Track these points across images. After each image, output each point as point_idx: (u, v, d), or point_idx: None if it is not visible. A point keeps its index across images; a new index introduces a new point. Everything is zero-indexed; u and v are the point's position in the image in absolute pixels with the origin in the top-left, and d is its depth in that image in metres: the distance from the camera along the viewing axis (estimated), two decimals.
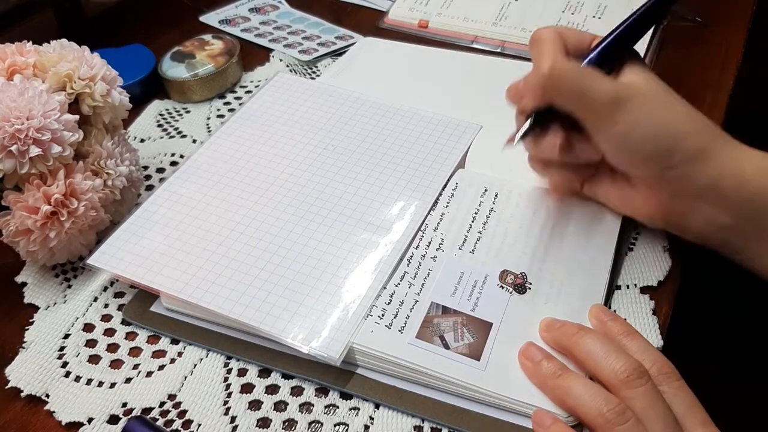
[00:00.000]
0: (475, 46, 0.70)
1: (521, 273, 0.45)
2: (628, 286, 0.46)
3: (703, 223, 0.43)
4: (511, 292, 0.44)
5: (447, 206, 0.49)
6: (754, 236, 0.42)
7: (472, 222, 0.48)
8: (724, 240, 0.43)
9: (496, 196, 0.50)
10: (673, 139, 0.41)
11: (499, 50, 0.69)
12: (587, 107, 0.42)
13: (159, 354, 0.44)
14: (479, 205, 0.50)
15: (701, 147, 0.41)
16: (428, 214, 0.49)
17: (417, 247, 0.47)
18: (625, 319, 0.42)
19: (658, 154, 0.42)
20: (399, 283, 0.44)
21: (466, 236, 0.47)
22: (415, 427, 0.39)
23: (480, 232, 0.48)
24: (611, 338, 0.39)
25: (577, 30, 0.46)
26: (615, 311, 0.44)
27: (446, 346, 0.41)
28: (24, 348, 0.45)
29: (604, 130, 0.42)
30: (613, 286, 0.46)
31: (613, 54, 0.44)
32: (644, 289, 0.45)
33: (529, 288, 0.44)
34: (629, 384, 0.36)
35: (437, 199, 0.50)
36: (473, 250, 0.46)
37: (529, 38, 0.45)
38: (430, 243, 0.47)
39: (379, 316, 0.42)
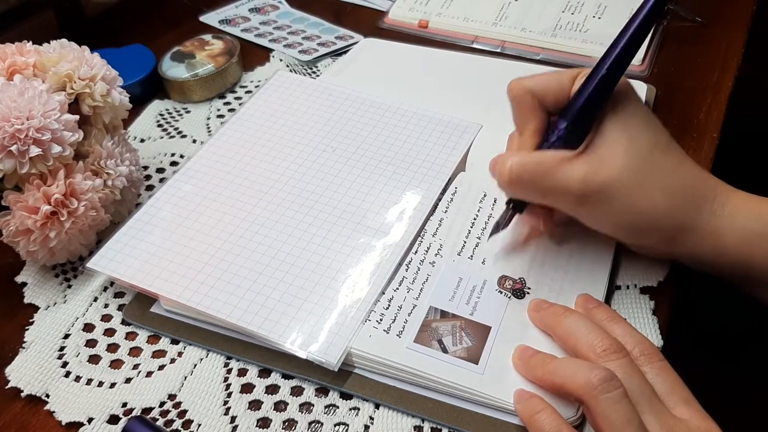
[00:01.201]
0: (475, 46, 0.70)
1: (520, 278, 0.45)
2: (628, 287, 0.46)
3: (691, 265, 0.45)
4: (509, 297, 0.44)
5: (446, 211, 0.49)
6: (740, 283, 0.44)
7: (471, 227, 0.48)
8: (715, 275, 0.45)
9: (495, 201, 0.50)
10: (648, 224, 0.41)
11: (499, 50, 0.69)
12: (556, 203, 0.42)
13: (159, 354, 0.44)
14: (478, 210, 0.49)
15: (678, 226, 0.41)
16: (427, 218, 0.49)
17: (416, 252, 0.47)
18: (625, 319, 0.42)
19: (634, 237, 0.43)
20: (397, 288, 0.44)
21: (465, 242, 0.47)
22: (415, 427, 0.40)
23: (479, 238, 0.48)
24: (595, 323, 0.40)
25: (555, 76, 0.43)
26: (615, 311, 0.44)
27: (444, 350, 0.41)
28: (24, 348, 0.45)
29: (578, 216, 0.43)
30: (613, 287, 0.46)
31: (589, 112, 0.41)
32: (644, 289, 0.45)
33: (528, 293, 0.44)
34: (605, 357, 0.37)
35: (436, 203, 0.50)
36: (471, 256, 0.46)
37: (507, 90, 0.44)
38: (428, 248, 0.47)
39: (377, 321, 0.42)
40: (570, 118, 0.41)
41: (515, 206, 0.45)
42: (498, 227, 0.46)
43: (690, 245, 0.42)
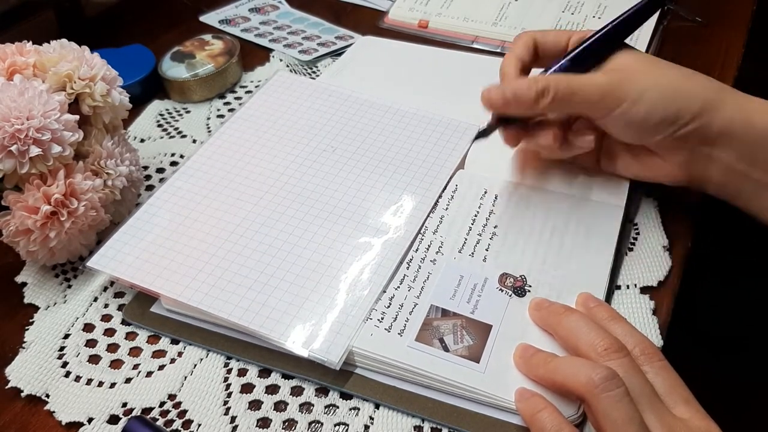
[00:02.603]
0: (475, 46, 0.70)
1: (521, 276, 0.45)
2: (628, 286, 0.46)
3: (721, 172, 0.44)
4: (510, 295, 0.44)
5: (447, 209, 0.49)
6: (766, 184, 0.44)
7: (472, 225, 0.48)
8: (741, 189, 0.45)
9: (495, 198, 0.50)
10: (678, 100, 0.43)
11: (499, 50, 0.69)
12: (583, 106, 0.44)
13: (159, 354, 0.44)
14: (479, 207, 0.50)
15: (707, 101, 0.43)
16: (428, 216, 0.49)
17: (416, 250, 0.47)
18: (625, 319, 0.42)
19: (667, 118, 0.43)
20: (398, 287, 0.44)
21: (466, 239, 0.47)
22: (415, 427, 0.40)
23: (479, 235, 0.48)
24: (596, 321, 0.40)
25: (554, 31, 0.49)
26: (615, 310, 0.44)
27: (446, 349, 0.41)
28: (24, 348, 0.45)
29: (607, 116, 0.44)
30: (613, 286, 0.46)
31: (595, 53, 0.45)
32: (644, 289, 0.45)
33: (529, 291, 0.44)
34: (606, 356, 0.37)
35: (437, 201, 0.50)
36: (473, 253, 0.46)
37: (514, 39, 0.48)
38: (429, 246, 0.47)
39: (378, 320, 0.42)
40: (573, 54, 0.45)
41: (503, 120, 0.47)
42: (484, 133, 0.48)
43: (721, 122, 0.42)
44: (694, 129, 0.43)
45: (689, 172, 0.46)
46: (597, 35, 0.46)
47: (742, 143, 0.43)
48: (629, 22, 0.46)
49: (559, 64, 0.46)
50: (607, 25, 0.46)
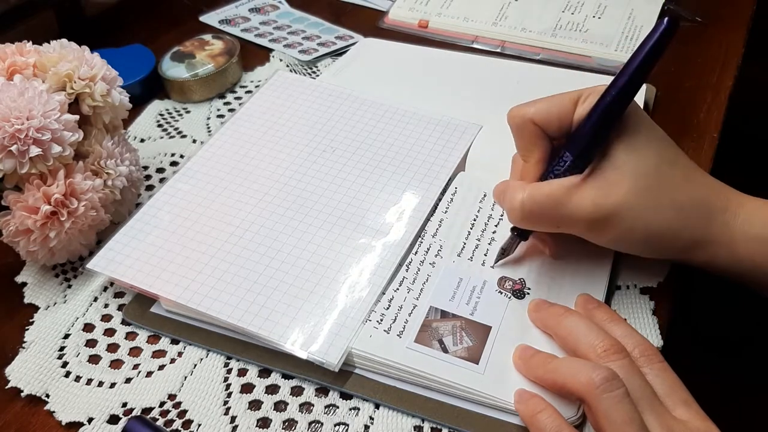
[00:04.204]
0: (475, 46, 0.70)
1: (520, 279, 0.45)
2: (628, 287, 0.46)
3: (709, 272, 0.44)
4: (509, 297, 0.44)
5: (446, 212, 0.49)
6: (759, 288, 0.44)
7: (471, 228, 0.48)
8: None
9: (495, 201, 0.50)
10: (661, 241, 0.41)
11: (499, 50, 0.69)
12: (568, 230, 0.42)
13: (159, 354, 0.44)
14: (478, 211, 0.49)
15: (692, 240, 0.41)
16: (428, 218, 0.49)
17: (416, 253, 0.47)
18: (625, 319, 0.42)
19: (649, 252, 0.43)
20: (398, 289, 0.44)
21: (465, 243, 0.47)
22: (415, 427, 0.40)
23: (478, 239, 0.48)
24: (596, 323, 0.40)
25: (556, 102, 0.42)
26: (615, 311, 0.44)
27: (445, 350, 0.41)
28: (24, 348, 0.45)
29: (590, 239, 0.43)
30: (613, 287, 0.46)
31: (596, 142, 0.40)
32: (644, 290, 0.45)
33: (528, 293, 0.44)
34: (606, 358, 0.37)
35: (437, 203, 0.50)
36: (471, 257, 0.46)
37: (508, 119, 0.43)
38: (428, 249, 0.47)
39: (377, 321, 0.42)
40: (576, 150, 0.41)
41: (519, 234, 0.45)
42: (504, 253, 0.46)
43: (705, 256, 0.42)
44: (675, 259, 0.44)
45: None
46: (599, 115, 0.40)
47: (727, 271, 0.43)
48: (634, 81, 0.39)
49: (564, 164, 0.41)
50: (609, 93, 0.39)
